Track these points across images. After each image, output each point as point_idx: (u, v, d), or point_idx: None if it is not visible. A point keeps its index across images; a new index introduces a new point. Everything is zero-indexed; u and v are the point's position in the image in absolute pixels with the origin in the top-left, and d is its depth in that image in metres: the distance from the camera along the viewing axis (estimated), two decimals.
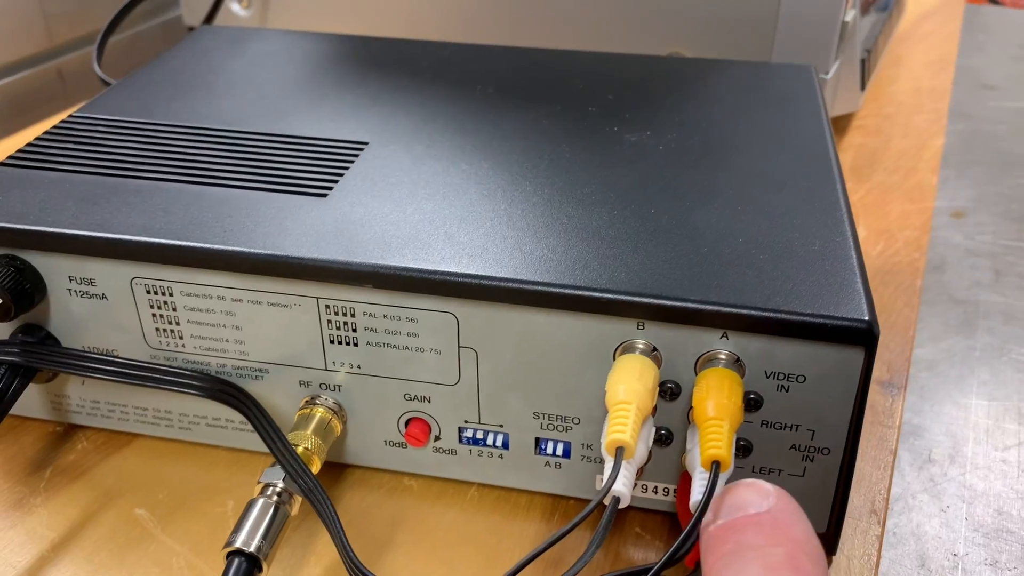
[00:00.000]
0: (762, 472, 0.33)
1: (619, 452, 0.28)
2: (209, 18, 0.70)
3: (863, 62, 0.63)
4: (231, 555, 0.30)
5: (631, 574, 0.27)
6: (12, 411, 0.39)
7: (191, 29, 0.74)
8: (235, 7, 0.71)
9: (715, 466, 0.28)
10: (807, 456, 0.33)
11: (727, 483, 0.28)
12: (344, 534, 0.29)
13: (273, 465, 0.33)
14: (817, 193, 0.36)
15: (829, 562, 0.34)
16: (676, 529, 0.35)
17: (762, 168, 0.38)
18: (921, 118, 0.69)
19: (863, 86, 0.64)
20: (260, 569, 0.30)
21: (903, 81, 0.75)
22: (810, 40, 0.56)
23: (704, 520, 0.26)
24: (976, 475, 0.49)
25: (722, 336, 0.31)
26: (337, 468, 0.38)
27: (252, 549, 0.30)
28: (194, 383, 0.34)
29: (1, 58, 0.69)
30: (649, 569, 0.27)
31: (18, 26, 0.69)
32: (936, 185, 0.59)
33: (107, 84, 0.63)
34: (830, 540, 0.34)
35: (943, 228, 0.75)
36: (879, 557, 0.35)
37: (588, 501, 0.36)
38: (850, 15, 0.58)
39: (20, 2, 0.69)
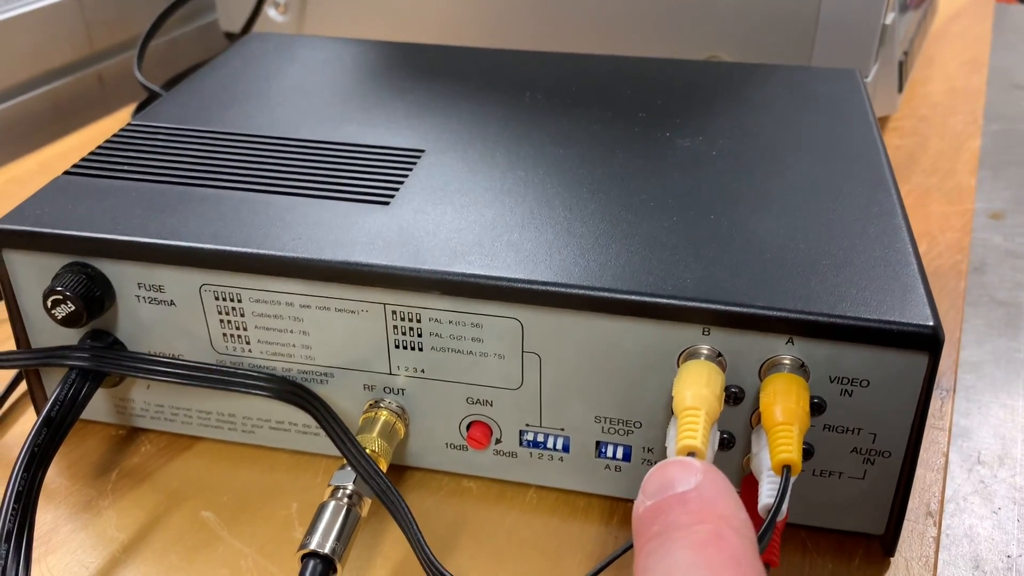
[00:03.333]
0: (823, 475, 0.34)
1: (691, 458, 0.29)
2: (248, 24, 0.71)
3: (900, 64, 0.63)
4: (306, 557, 0.30)
5: None
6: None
7: (228, 34, 0.75)
8: (272, 13, 0.71)
9: (786, 470, 0.28)
10: (868, 459, 0.33)
11: (792, 485, 0.28)
12: (421, 534, 0.30)
13: (343, 467, 0.33)
14: (873, 199, 0.37)
15: (887, 565, 0.34)
16: None
17: (816, 173, 0.39)
18: (957, 119, 0.69)
19: (900, 88, 0.64)
20: (335, 570, 0.30)
21: (937, 82, 0.76)
22: (850, 43, 0.56)
23: (635, 503, 0.26)
24: None
25: (787, 342, 0.31)
26: (397, 470, 0.38)
27: (327, 551, 0.30)
28: (263, 384, 0.35)
29: (43, 65, 0.70)
30: None
31: (60, 33, 0.70)
32: (975, 186, 0.60)
33: (148, 89, 0.64)
34: (889, 542, 0.34)
35: (982, 229, 0.75)
36: (936, 559, 0.35)
37: None
38: (890, 17, 0.58)
39: (62, 10, 0.70)
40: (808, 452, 0.33)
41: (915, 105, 0.72)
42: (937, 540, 0.35)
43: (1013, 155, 0.85)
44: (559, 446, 0.36)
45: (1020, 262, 0.68)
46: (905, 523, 0.36)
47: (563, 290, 0.32)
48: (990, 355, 0.61)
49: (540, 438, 0.36)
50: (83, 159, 0.40)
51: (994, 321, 0.64)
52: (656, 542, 0.23)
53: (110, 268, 0.35)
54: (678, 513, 0.24)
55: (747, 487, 0.33)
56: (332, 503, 0.32)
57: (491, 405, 0.35)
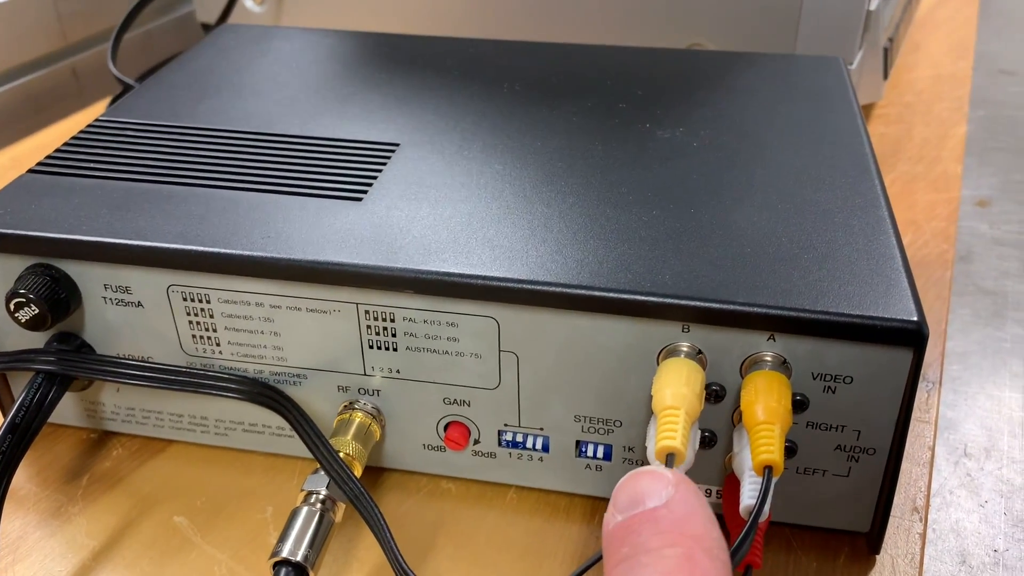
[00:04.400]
0: (807, 473, 0.33)
1: (669, 459, 0.28)
2: (224, 15, 0.69)
3: (885, 51, 0.62)
4: (278, 565, 0.30)
5: None
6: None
7: (204, 26, 0.74)
8: (249, 3, 0.70)
9: (768, 471, 0.28)
10: (852, 456, 0.32)
11: (775, 483, 0.28)
12: (394, 540, 0.29)
13: (316, 472, 0.32)
14: (856, 189, 0.36)
15: (873, 562, 0.34)
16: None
17: (799, 164, 0.38)
18: (942, 106, 0.69)
19: (885, 75, 0.63)
20: None
21: (922, 68, 0.75)
22: (835, 29, 0.56)
23: (606, 515, 0.24)
24: (1013, 469, 0.48)
25: (769, 338, 0.30)
26: (375, 472, 0.38)
27: (299, 558, 0.29)
28: (234, 386, 0.34)
29: (16, 58, 0.68)
30: None
31: (33, 26, 0.69)
32: (961, 174, 0.59)
33: (122, 82, 0.63)
34: (874, 540, 0.34)
35: (968, 217, 0.75)
36: (923, 555, 0.34)
37: None
38: (874, 3, 0.57)
39: (34, 2, 0.69)
40: (791, 450, 0.33)
41: (900, 92, 0.71)
42: (923, 536, 0.35)
43: (999, 141, 0.85)
44: (539, 446, 0.35)
45: (1007, 250, 0.68)
46: (891, 519, 0.35)
47: (540, 288, 0.31)
48: (977, 345, 0.60)
49: (519, 438, 0.35)
50: (48, 157, 0.39)
51: (980, 311, 0.64)
52: (625, 566, 0.22)
53: (75, 269, 0.34)
54: (648, 534, 0.23)
55: (729, 486, 0.33)
56: (305, 508, 0.31)
57: (469, 405, 0.35)
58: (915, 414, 0.40)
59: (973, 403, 0.54)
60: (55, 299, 0.34)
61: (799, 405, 0.31)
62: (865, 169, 0.38)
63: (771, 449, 0.28)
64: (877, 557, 0.34)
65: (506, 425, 0.35)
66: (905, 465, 0.38)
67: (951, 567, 0.42)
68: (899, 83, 0.72)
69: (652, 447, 0.30)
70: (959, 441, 0.51)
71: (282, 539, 0.30)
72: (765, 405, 0.29)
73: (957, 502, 0.46)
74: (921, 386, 0.42)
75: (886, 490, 0.33)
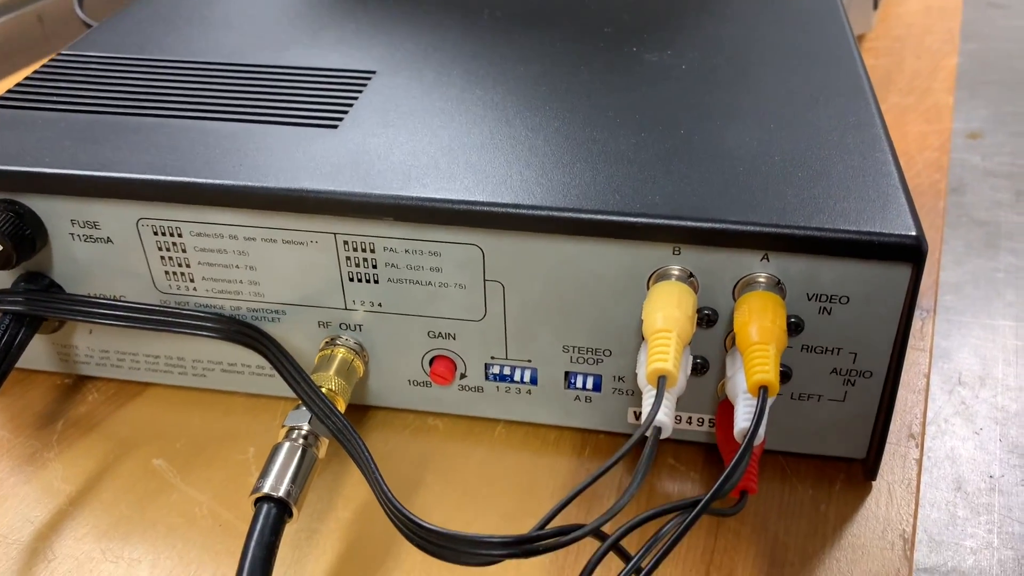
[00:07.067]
0: (801, 399, 0.32)
1: (661, 381, 0.27)
2: None
3: None
4: (259, 501, 0.29)
5: (679, 507, 0.26)
6: (17, 364, 0.37)
7: None
8: None
9: (763, 391, 0.27)
10: (848, 380, 0.32)
11: (770, 409, 0.27)
12: (379, 473, 0.28)
13: (297, 407, 0.31)
14: (850, 109, 0.35)
15: (869, 489, 0.33)
16: (712, 461, 0.35)
17: (791, 85, 0.37)
18: (933, 38, 0.67)
19: (875, 5, 0.62)
20: (290, 515, 0.29)
21: (912, 1, 0.73)
22: None
23: None
24: (1008, 396, 0.48)
25: (762, 258, 0.29)
26: (359, 411, 0.37)
27: (281, 494, 0.28)
28: (210, 324, 0.33)
29: None
30: (697, 502, 0.26)
31: None
32: (952, 105, 0.58)
33: (90, 27, 0.61)
34: (870, 466, 0.33)
35: (960, 150, 0.74)
36: (919, 481, 0.34)
37: (619, 435, 0.35)
38: None
39: None
40: (786, 375, 0.32)
41: (890, 24, 0.69)
42: (919, 462, 0.34)
43: (989, 75, 0.83)
44: (527, 378, 0.34)
45: (999, 181, 0.67)
46: (886, 446, 0.35)
47: (525, 212, 0.30)
48: (969, 275, 0.60)
49: (507, 371, 0.34)
50: (8, 91, 0.38)
51: (973, 241, 0.63)
52: None
53: (40, 204, 0.33)
54: None
55: (722, 414, 0.32)
56: (287, 444, 0.30)
57: (454, 338, 0.34)
58: (910, 342, 0.39)
59: (967, 332, 0.53)
60: (20, 236, 0.33)
61: (794, 328, 0.30)
62: (859, 89, 0.36)
63: (766, 369, 0.27)
64: (873, 484, 0.34)
65: (493, 358, 0.34)
66: (900, 392, 0.37)
67: (946, 494, 0.42)
68: (889, 16, 0.71)
69: (643, 372, 0.29)
70: (953, 370, 0.51)
71: (263, 475, 0.29)
72: (759, 325, 0.28)
73: (952, 430, 0.45)
74: (916, 314, 0.41)
75: (883, 414, 0.32)
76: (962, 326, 0.54)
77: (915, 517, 0.33)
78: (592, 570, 0.24)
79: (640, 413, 0.34)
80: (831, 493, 0.33)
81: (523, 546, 0.24)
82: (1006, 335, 0.52)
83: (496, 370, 0.34)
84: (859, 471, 0.34)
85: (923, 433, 0.35)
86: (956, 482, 0.41)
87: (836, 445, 0.33)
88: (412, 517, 0.26)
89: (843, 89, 0.36)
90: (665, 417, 0.27)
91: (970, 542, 0.41)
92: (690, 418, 0.34)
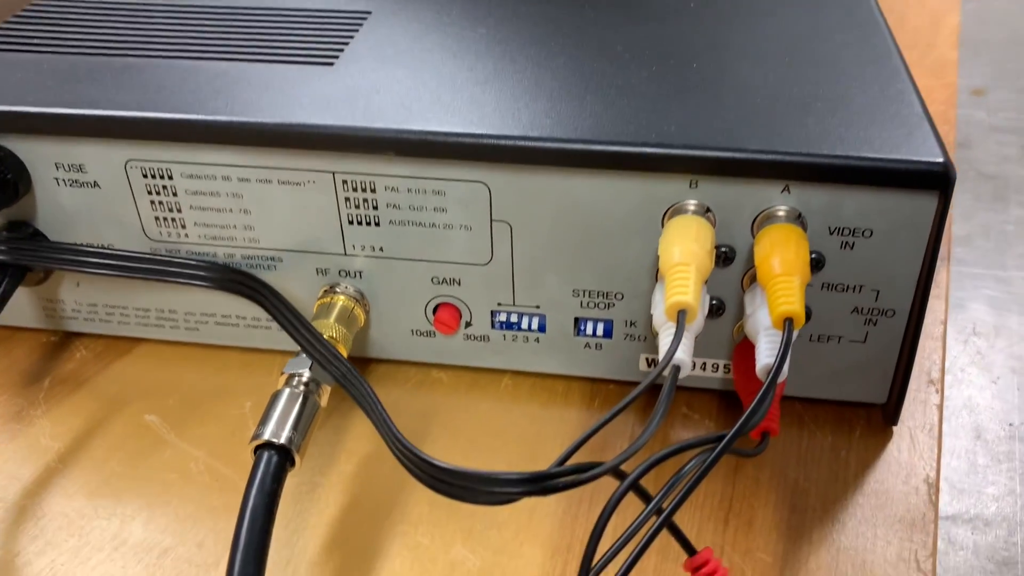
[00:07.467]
0: (820, 340, 0.31)
1: (681, 316, 0.26)
2: None
3: None
4: (259, 449, 0.27)
5: (701, 442, 0.25)
6: (1, 320, 0.36)
7: None
8: None
9: (788, 323, 0.26)
10: (870, 320, 0.30)
11: (791, 346, 0.26)
12: (387, 415, 0.27)
13: (297, 355, 0.30)
14: (867, 41, 0.34)
15: (890, 434, 0.32)
16: (726, 408, 0.33)
17: (805, 21, 0.35)
18: None
19: None
20: (292, 463, 0.27)
21: None
22: None
23: None
24: None
25: (783, 190, 0.28)
26: (359, 363, 0.35)
27: (283, 441, 0.27)
28: (203, 273, 0.31)
29: None
30: (719, 438, 0.25)
31: None
32: (957, 60, 0.57)
33: None
34: (891, 411, 0.32)
35: (964, 106, 0.73)
36: (941, 427, 0.33)
37: (630, 383, 0.34)
38: None
39: None
40: (806, 314, 0.30)
41: None
42: (940, 408, 0.33)
43: (990, 32, 0.82)
44: (534, 326, 0.33)
45: (1005, 136, 0.66)
46: (907, 392, 0.33)
47: (534, 144, 0.28)
48: (980, 228, 0.59)
49: (514, 318, 0.33)
50: None
51: (982, 195, 0.62)
52: None
53: (22, 147, 0.31)
54: None
55: (740, 355, 0.31)
56: (287, 391, 0.29)
57: (459, 284, 0.32)
58: None
59: (980, 284, 0.52)
60: (1, 181, 0.31)
61: (815, 264, 0.29)
62: (874, 23, 0.35)
63: (791, 300, 0.26)
64: (895, 429, 0.32)
65: (499, 304, 0.32)
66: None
67: (966, 442, 0.41)
68: None
69: (659, 311, 0.28)
70: (967, 320, 0.50)
71: (263, 422, 0.28)
72: (782, 257, 0.27)
73: (969, 379, 0.44)
74: None
75: (905, 356, 0.31)
76: (974, 278, 0.53)
77: (938, 462, 0.31)
78: (613, 510, 0.23)
79: (653, 360, 0.33)
80: (851, 439, 0.32)
81: (541, 483, 0.23)
82: (1019, 286, 0.51)
83: (503, 317, 0.33)
84: (879, 417, 0.33)
85: (942, 379, 0.34)
86: (975, 430, 0.40)
87: (856, 390, 0.32)
88: (424, 457, 0.25)
89: (858, 23, 0.35)
90: (684, 355, 0.26)
91: (992, 489, 0.40)
92: (704, 363, 0.33)
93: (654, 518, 0.23)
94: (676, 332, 0.26)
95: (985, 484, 0.39)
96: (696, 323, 0.27)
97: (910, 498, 0.30)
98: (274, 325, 0.34)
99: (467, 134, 0.29)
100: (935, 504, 0.30)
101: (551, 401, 0.34)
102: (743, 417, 0.25)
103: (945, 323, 0.37)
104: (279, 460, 0.27)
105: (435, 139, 0.29)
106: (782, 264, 0.27)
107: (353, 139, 0.29)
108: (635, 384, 0.34)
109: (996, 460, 0.39)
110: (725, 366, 0.33)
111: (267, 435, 0.27)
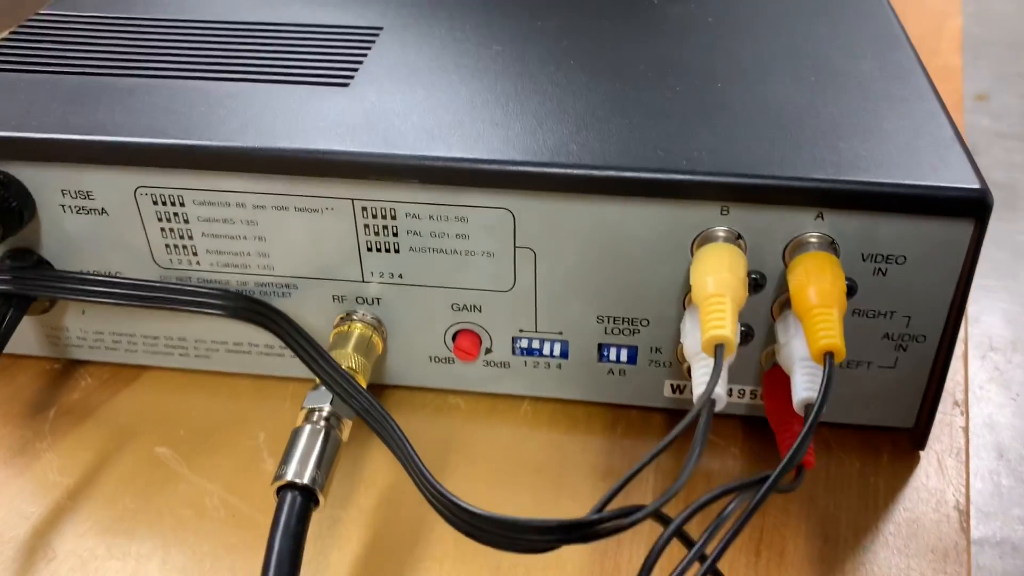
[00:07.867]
0: (849, 366, 0.31)
1: (719, 350, 0.25)
2: None
3: None
4: (283, 489, 0.26)
5: (743, 486, 0.24)
6: (4, 350, 0.34)
7: None
8: None
9: (829, 357, 0.25)
10: (900, 345, 0.30)
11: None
12: (416, 454, 0.26)
13: (316, 388, 0.29)
14: (890, 59, 0.33)
15: (917, 459, 0.32)
16: (751, 435, 0.33)
17: (825, 35, 0.35)
18: (934, 0, 0.66)
19: None
20: (316, 503, 0.26)
21: None
22: None
23: None
24: None
25: (817, 216, 0.27)
26: (375, 390, 0.34)
27: (306, 481, 0.26)
28: (215, 301, 0.30)
29: None
30: (765, 479, 0.24)
31: None
32: (961, 66, 0.56)
33: None
34: (919, 435, 0.32)
35: (968, 112, 0.72)
36: (968, 450, 0.32)
37: (653, 410, 0.33)
38: None
39: None
40: None
41: None
42: (966, 430, 0.33)
43: (992, 36, 0.82)
44: (557, 352, 0.32)
45: (1012, 143, 0.65)
46: None
47: (560, 171, 0.28)
48: (991, 238, 0.58)
49: (535, 344, 0.32)
50: None
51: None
52: None
53: (27, 173, 0.30)
54: None
55: (770, 383, 0.30)
56: (307, 427, 0.28)
57: (480, 311, 0.31)
58: None
59: (994, 297, 0.52)
60: (6, 208, 0.30)
61: (847, 291, 0.28)
62: (895, 37, 0.35)
63: (831, 333, 0.25)
64: (922, 453, 0.32)
65: (521, 331, 0.32)
66: None
67: (988, 463, 0.41)
68: None
69: (692, 342, 0.28)
70: (983, 335, 0.50)
71: (285, 461, 0.27)
72: (819, 288, 0.26)
73: (988, 396, 0.44)
74: None
75: (935, 381, 0.30)
76: (988, 290, 0.52)
77: (967, 487, 0.31)
78: (657, 558, 0.23)
79: (678, 386, 0.32)
80: (879, 465, 0.32)
81: (582, 531, 0.22)
82: None
83: (524, 344, 0.32)
84: (905, 441, 0.32)
85: (966, 400, 0.34)
86: (997, 450, 0.40)
87: (884, 414, 0.32)
88: (457, 501, 0.24)
89: (880, 38, 0.34)
90: (721, 389, 0.25)
91: (1018, 511, 0.39)
92: (731, 390, 0.32)
93: (697, 564, 0.23)
94: (715, 367, 0.25)
95: (1011, 506, 0.39)
96: (733, 354, 0.26)
97: (941, 526, 0.30)
98: (288, 352, 0.33)
99: (494, 160, 0.28)
100: (967, 532, 0.30)
101: (573, 428, 0.33)
102: (785, 459, 0.24)
103: (966, 341, 0.37)
104: (303, 501, 0.26)
105: (460, 167, 0.28)
106: (819, 295, 0.26)
107: (375, 166, 0.28)
108: (659, 411, 0.34)
109: (1020, 481, 0.39)
110: (752, 392, 0.32)
111: (290, 475, 0.26)
